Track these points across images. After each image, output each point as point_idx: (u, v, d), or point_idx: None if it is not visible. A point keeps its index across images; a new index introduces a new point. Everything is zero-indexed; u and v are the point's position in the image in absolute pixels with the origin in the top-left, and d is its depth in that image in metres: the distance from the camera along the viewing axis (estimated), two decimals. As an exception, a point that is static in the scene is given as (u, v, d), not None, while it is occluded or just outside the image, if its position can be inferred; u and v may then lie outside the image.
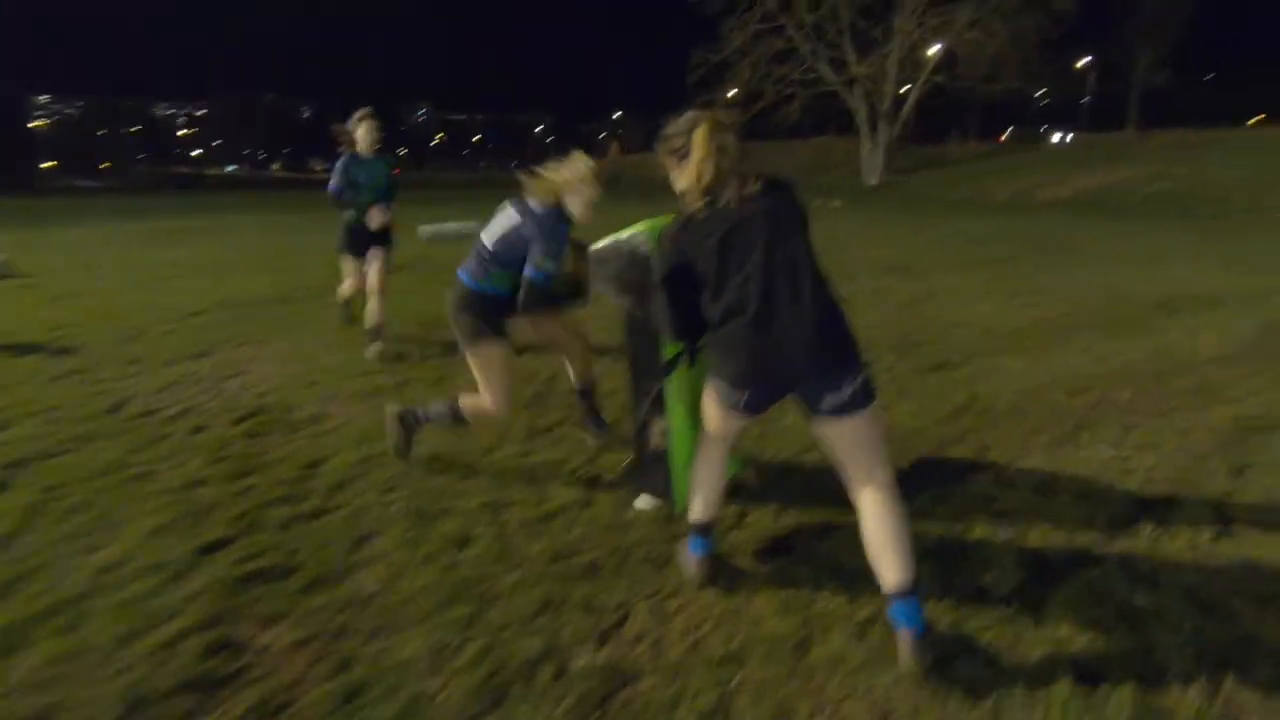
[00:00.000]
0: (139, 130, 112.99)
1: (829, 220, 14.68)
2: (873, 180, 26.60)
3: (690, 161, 1.88)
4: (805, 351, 1.80)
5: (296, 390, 3.96)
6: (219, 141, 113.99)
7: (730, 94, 29.60)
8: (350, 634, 1.93)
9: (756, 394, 1.91)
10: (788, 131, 32.95)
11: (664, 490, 2.50)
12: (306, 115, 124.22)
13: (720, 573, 2.17)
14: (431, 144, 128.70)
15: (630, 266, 2.37)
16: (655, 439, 2.46)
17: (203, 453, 3.09)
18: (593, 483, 2.83)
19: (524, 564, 2.25)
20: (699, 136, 1.86)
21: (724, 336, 1.88)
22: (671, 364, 2.32)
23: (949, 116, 33.43)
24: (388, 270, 4.88)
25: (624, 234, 2.42)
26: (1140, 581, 2.14)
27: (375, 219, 4.62)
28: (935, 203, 20.17)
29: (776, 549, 2.34)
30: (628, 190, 31.44)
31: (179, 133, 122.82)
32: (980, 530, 2.46)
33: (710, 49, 27.73)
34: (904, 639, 1.72)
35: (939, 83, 26.58)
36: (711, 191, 1.86)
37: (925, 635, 1.72)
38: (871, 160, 27.56)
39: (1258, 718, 1.64)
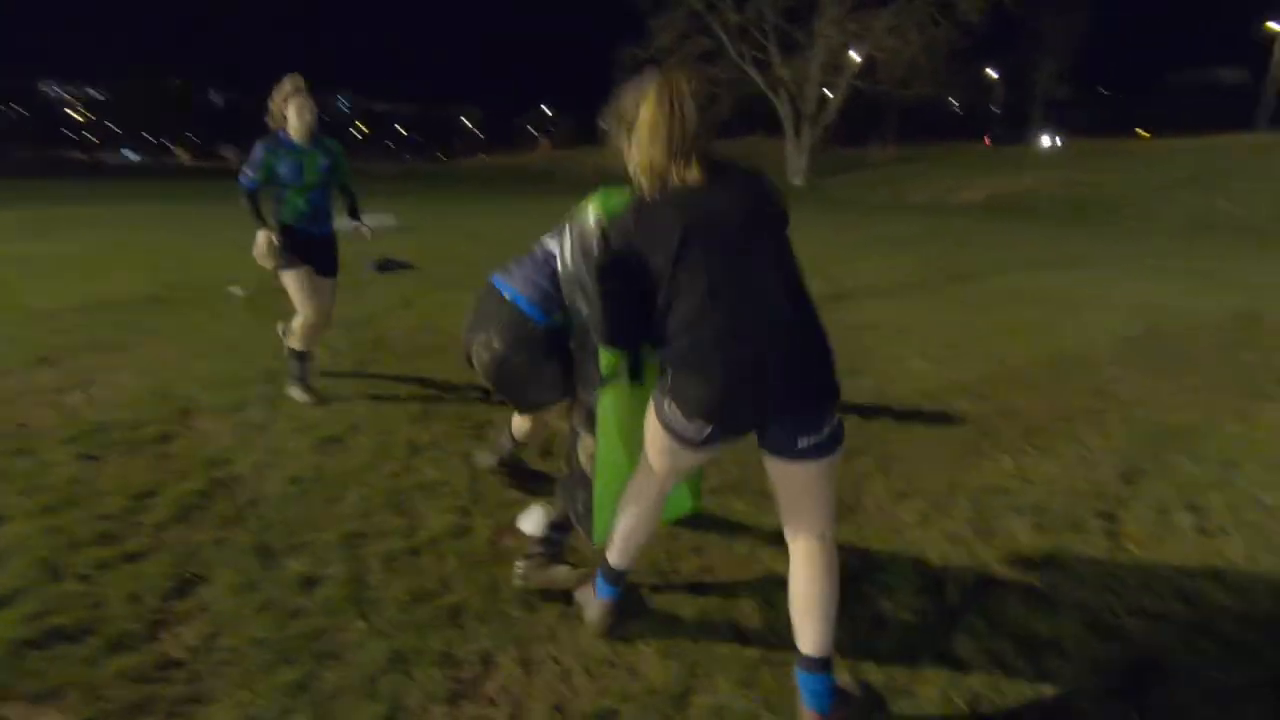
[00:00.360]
0: (21, 110, 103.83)
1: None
2: (797, 181, 27.10)
3: (640, 131, 1.50)
4: (791, 379, 1.48)
5: (149, 404, 3.50)
6: (119, 126, 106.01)
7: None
8: (147, 710, 1.60)
9: (724, 425, 1.53)
10: (717, 131, 33.20)
11: (582, 519, 2.01)
12: (218, 102, 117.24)
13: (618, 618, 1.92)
14: (354, 135, 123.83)
15: (580, 253, 1.88)
16: (581, 459, 1.99)
17: (18, 480, 2.65)
18: (473, 506, 2.56)
19: (378, 609, 1.97)
20: (650, 99, 1.48)
21: (688, 353, 1.50)
22: (607, 379, 1.82)
23: (869, 121, 34.47)
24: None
25: (575, 213, 1.89)
26: (1038, 606, 2.06)
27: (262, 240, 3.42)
28: (856, 205, 20.69)
29: (659, 586, 2.14)
30: (560, 187, 31.10)
31: (72, 115, 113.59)
32: (878, 549, 2.34)
33: (639, 45, 27.61)
34: (806, 714, 1.56)
35: (859, 87, 27.33)
36: (666, 172, 1.49)
37: (830, 714, 1.55)
38: (796, 162, 28.10)
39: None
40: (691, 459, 1.65)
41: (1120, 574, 2.23)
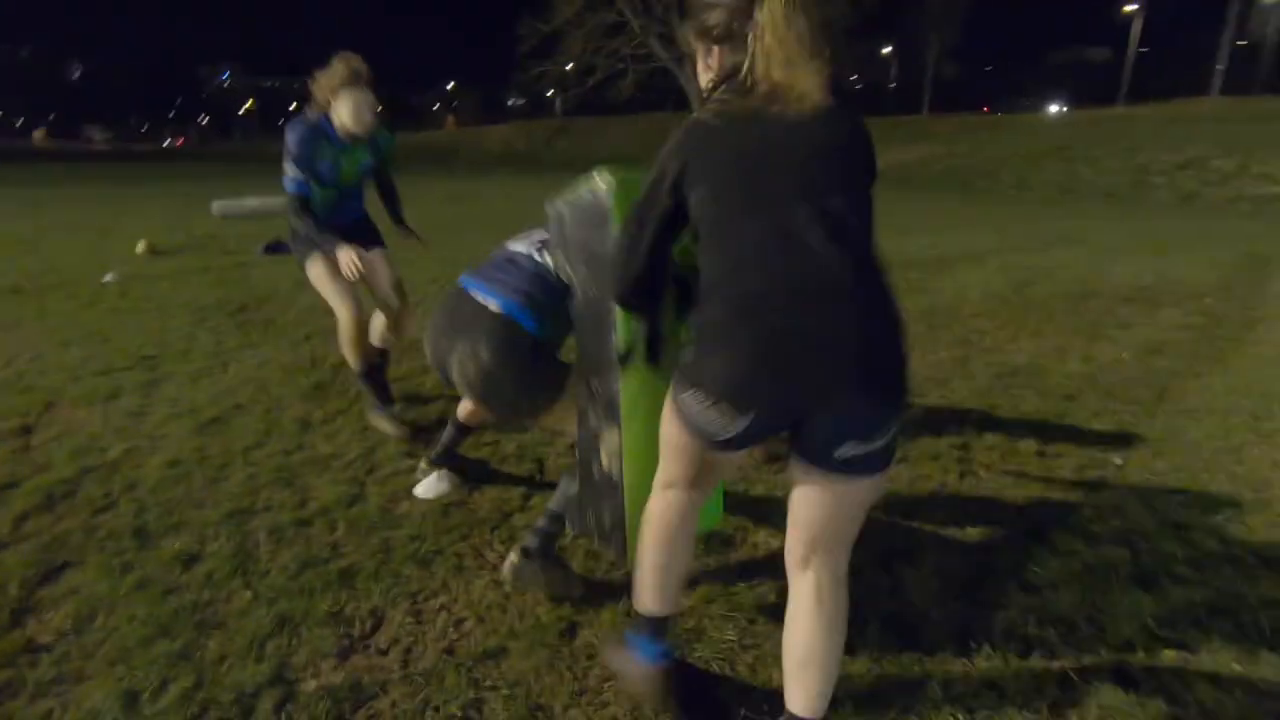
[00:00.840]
0: None
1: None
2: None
3: (742, 45, 1.22)
4: (845, 362, 1.13)
5: (7, 397, 3.26)
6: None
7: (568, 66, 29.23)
8: (15, 693, 1.55)
9: (760, 419, 1.18)
10: (623, 106, 33.18)
11: (609, 535, 1.70)
12: (77, 74, 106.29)
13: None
14: (239, 112, 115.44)
15: (584, 224, 1.67)
16: (604, 460, 1.67)
17: None
18: (366, 476, 2.56)
19: (264, 578, 1.96)
20: (772, 9, 1.18)
21: (721, 314, 1.18)
22: (626, 356, 1.57)
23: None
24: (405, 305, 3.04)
25: (579, 184, 1.69)
26: (896, 525, 2.28)
27: (344, 260, 2.59)
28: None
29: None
30: (464, 166, 30.23)
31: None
32: (739, 523, 2.50)
33: (540, 18, 27.07)
34: None
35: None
36: (771, 83, 1.20)
37: None
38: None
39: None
40: (720, 464, 1.38)
41: (968, 495, 2.49)
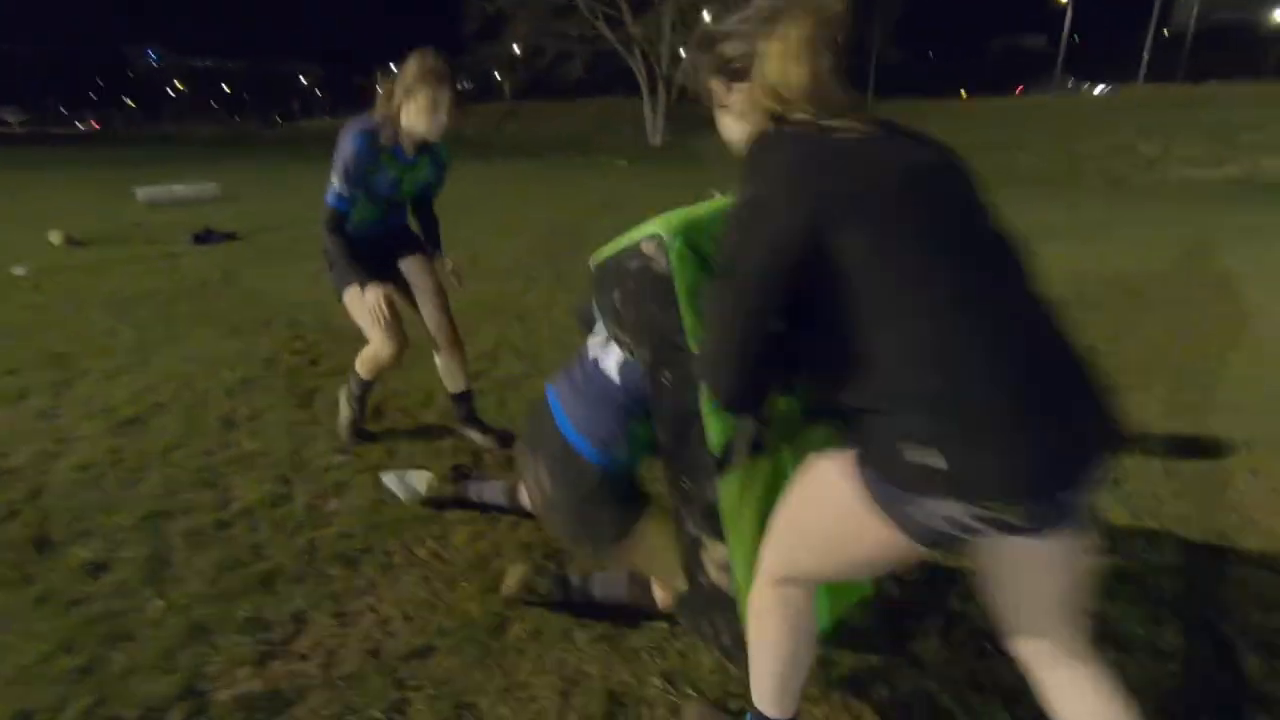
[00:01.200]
0: None
1: (617, 179, 14.83)
2: (656, 141, 27.35)
3: (771, 69, 1.02)
4: (1091, 413, 0.97)
5: (-102, 400, 3.03)
6: None
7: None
8: (-108, 721, 1.45)
9: (1044, 500, 0.94)
10: (572, 90, 32.76)
11: (730, 650, 1.45)
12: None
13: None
14: (169, 94, 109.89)
15: (639, 299, 1.31)
16: (711, 573, 1.42)
17: None
18: (294, 474, 2.47)
19: (179, 585, 1.87)
20: (794, 34, 1.00)
21: (950, 402, 0.92)
22: (725, 458, 1.30)
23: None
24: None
25: (626, 241, 1.34)
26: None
27: (372, 301, 2.34)
28: (714, 161, 21.26)
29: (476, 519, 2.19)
30: (409, 149, 29.40)
31: None
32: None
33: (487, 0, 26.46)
34: None
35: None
36: (828, 102, 1.01)
37: None
38: (653, 120, 28.30)
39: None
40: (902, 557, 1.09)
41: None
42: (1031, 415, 0.92)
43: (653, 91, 28.59)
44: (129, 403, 3.05)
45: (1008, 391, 0.91)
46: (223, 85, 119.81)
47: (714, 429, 1.27)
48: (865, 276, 0.93)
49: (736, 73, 1.08)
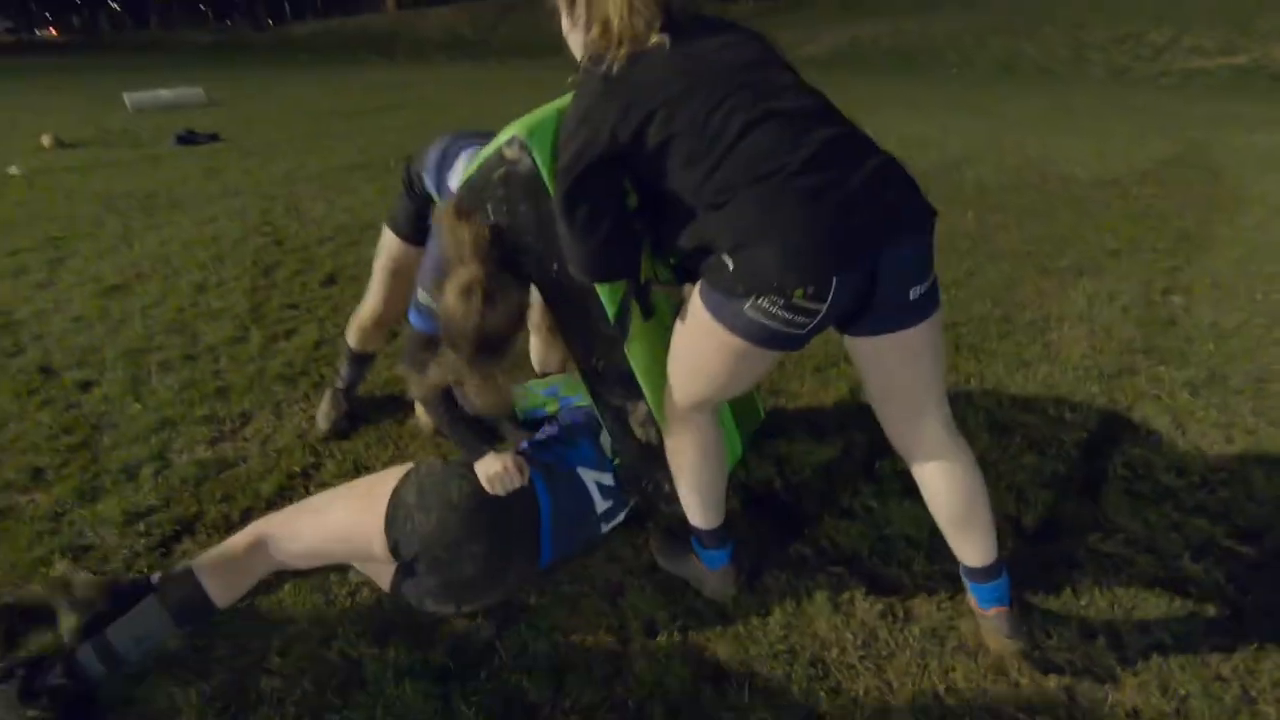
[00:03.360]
0: None
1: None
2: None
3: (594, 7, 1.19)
4: (892, 198, 1.14)
5: (-84, 274, 3.50)
6: None
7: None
8: (-60, 474, 1.97)
9: (841, 286, 1.11)
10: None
11: (672, 496, 1.56)
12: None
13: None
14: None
15: (508, 199, 1.37)
16: (637, 432, 1.57)
17: None
18: (253, 323, 2.92)
19: (153, 395, 2.36)
20: None
21: (751, 209, 1.11)
22: (622, 321, 1.43)
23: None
24: None
25: (488, 150, 1.40)
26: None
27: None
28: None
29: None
30: (405, 49, 28.49)
31: None
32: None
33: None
34: (998, 619, 1.36)
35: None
36: (642, 32, 1.16)
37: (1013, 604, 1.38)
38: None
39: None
40: (762, 367, 1.31)
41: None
42: (807, 209, 1.08)
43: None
44: (115, 274, 3.49)
45: (786, 194, 1.08)
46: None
47: (605, 300, 1.40)
48: (664, 147, 1.15)
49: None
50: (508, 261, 1.36)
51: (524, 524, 1.50)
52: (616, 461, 1.64)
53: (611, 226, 1.23)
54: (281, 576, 1.56)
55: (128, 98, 10.37)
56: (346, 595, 1.57)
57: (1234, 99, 10.12)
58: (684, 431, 1.43)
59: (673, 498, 1.55)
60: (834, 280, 1.10)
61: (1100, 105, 9.72)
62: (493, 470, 1.45)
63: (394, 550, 1.42)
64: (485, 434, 1.55)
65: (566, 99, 1.28)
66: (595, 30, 1.18)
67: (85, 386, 2.41)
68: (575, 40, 1.28)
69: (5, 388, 2.40)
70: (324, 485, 1.93)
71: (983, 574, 1.36)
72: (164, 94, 10.76)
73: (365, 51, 27.46)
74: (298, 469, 1.99)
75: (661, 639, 1.46)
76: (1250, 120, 7.86)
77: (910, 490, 1.83)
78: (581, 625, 1.50)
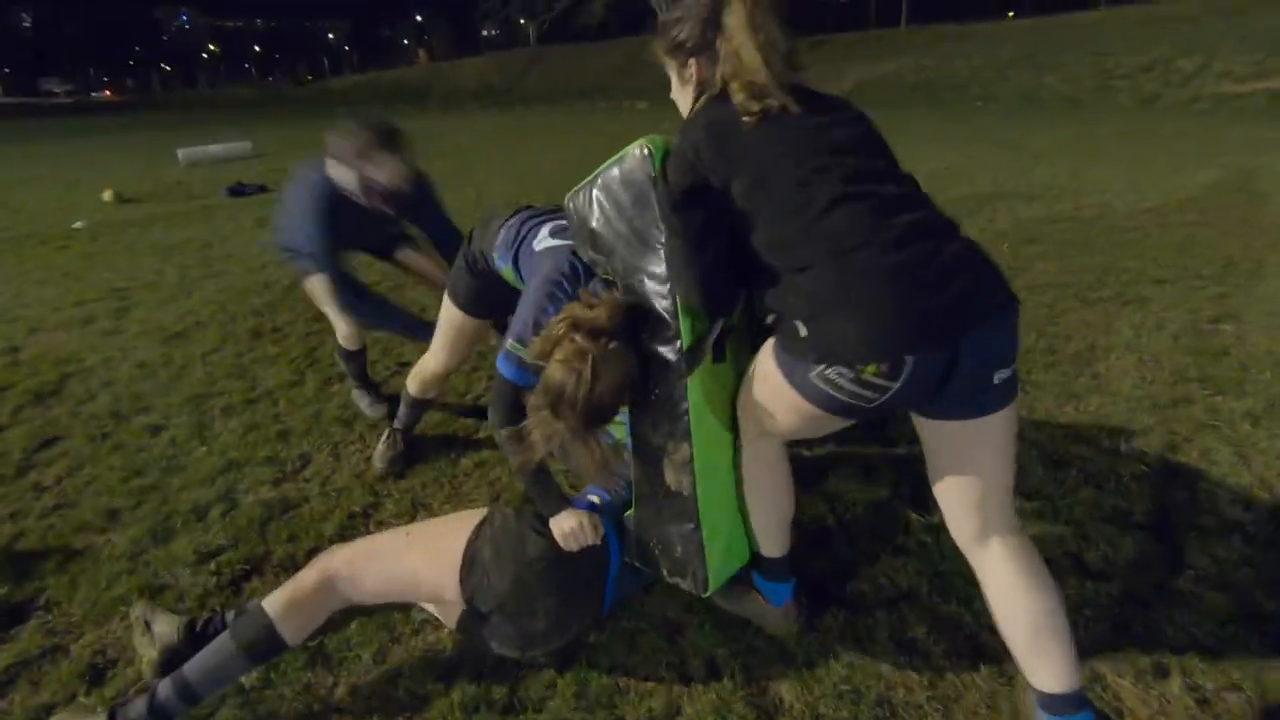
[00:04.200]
0: None
1: (634, 122, 14.96)
2: (679, 81, 26.99)
3: (716, 53, 1.26)
4: (975, 280, 1.13)
5: (-6, 325, 3.71)
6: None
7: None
8: (23, 516, 2.06)
9: (920, 365, 1.10)
10: (596, 33, 32.33)
11: (684, 561, 1.49)
12: (27, 24, 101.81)
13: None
14: (202, 56, 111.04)
15: (619, 205, 1.41)
16: (670, 476, 1.46)
17: None
18: (308, 368, 3.03)
19: (216, 439, 2.45)
20: (735, 20, 1.22)
21: (832, 279, 1.12)
22: (694, 353, 1.38)
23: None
24: None
25: (602, 166, 1.45)
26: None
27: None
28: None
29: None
30: (438, 101, 29.60)
31: None
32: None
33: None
34: None
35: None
36: (765, 88, 1.21)
37: None
38: (676, 60, 27.83)
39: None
40: (830, 426, 1.34)
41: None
42: (893, 284, 1.08)
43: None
44: (175, 322, 3.65)
45: (874, 269, 1.09)
46: (254, 45, 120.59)
47: (686, 326, 1.37)
48: (756, 206, 1.20)
49: (690, 51, 1.30)
50: (625, 332, 1.36)
51: (593, 577, 1.52)
52: (628, 514, 1.59)
53: (719, 251, 1.27)
54: (349, 615, 1.60)
55: (180, 153, 10.93)
56: (412, 633, 1.60)
57: (1272, 124, 9.98)
58: (752, 459, 1.46)
59: (681, 563, 1.48)
60: (909, 359, 1.09)
61: (1130, 133, 9.67)
62: (568, 527, 1.47)
63: (469, 600, 1.45)
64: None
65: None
66: (712, 91, 1.26)
67: (154, 431, 2.52)
68: (684, 100, 1.36)
69: (80, 432, 2.52)
70: (383, 525, 1.98)
71: (1064, 704, 1.18)
72: (214, 148, 11.32)
73: (400, 102, 28.62)
74: (357, 508, 2.05)
75: (723, 678, 1.46)
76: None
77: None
78: (641, 663, 1.51)
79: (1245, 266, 3.78)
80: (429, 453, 2.32)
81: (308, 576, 1.49)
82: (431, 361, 2.13)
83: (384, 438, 2.28)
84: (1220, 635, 1.51)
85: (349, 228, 2.35)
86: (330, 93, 41.92)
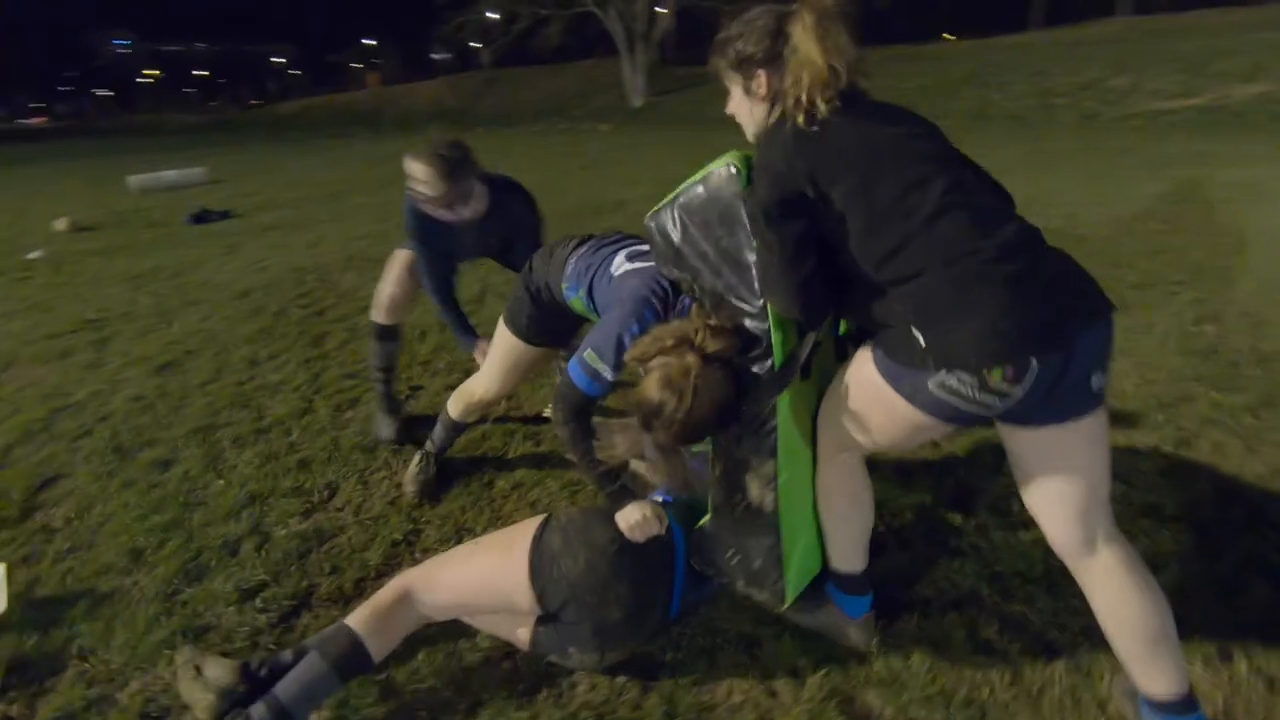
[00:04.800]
0: None
1: (599, 141, 15.05)
2: (637, 102, 27.33)
3: (783, 64, 1.25)
4: (1078, 286, 1.18)
5: (-38, 361, 3.49)
6: None
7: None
8: (36, 560, 1.94)
9: (1043, 369, 1.12)
10: (551, 55, 32.49)
11: (761, 573, 1.50)
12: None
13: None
14: (138, 80, 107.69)
15: (705, 224, 1.40)
16: (753, 494, 1.46)
17: None
18: (315, 395, 2.94)
19: (233, 471, 2.36)
20: (804, 30, 1.21)
21: (945, 286, 1.14)
22: (786, 371, 1.37)
23: (702, 38, 34.90)
24: None
25: (685, 184, 1.43)
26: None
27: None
28: (694, 120, 21.38)
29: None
30: (390, 124, 29.30)
31: None
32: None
33: (458, -32, 26.21)
34: None
35: (693, 3, 27.53)
36: (829, 92, 1.20)
37: None
38: (633, 82, 28.23)
39: None
40: (925, 437, 1.38)
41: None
42: (1010, 289, 1.10)
43: (632, 52, 28.42)
44: (162, 352, 3.50)
45: (986, 275, 1.11)
46: (194, 70, 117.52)
47: (778, 342, 1.36)
48: (857, 210, 1.19)
49: (759, 63, 1.29)
50: (729, 358, 1.36)
51: (661, 568, 1.51)
52: (702, 522, 1.58)
53: (814, 263, 1.26)
54: (413, 648, 1.55)
55: (131, 180, 10.54)
56: (481, 660, 1.56)
57: (1202, 138, 10.61)
58: (834, 473, 1.45)
59: (759, 576, 1.49)
60: (1034, 362, 1.10)
61: (1078, 149, 10.16)
62: (634, 519, 1.46)
63: (540, 598, 1.42)
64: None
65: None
66: (786, 101, 1.24)
67: (164, 466, 2.40)
68: (754, 112, 1.35)
69: (82, 470, 2.39)
70: (428, 552, 1.93)
71: (1179, 708, 1.21)
72: (168, 174, 10.95)
73: (353, 125, 28.24)
74: (398, 536, 1.99)
75: (809, 688, 1.46)
76: (1224, 157, 8.23)
77: (1010, 525, 1.89)
78: (724, 678, 1.50)
79: (1215, 271, 4.00)
80: (460, 475, 2.28)
81: (385, 593, 1.47)
82: (481, 387, 2.09)
83: (415, 461, 2.22)
84: (1273, 620, 1.57)
85: (441, 241, 2.29)
86: (280, 117, 41.08)
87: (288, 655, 1.49)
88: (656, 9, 28.21)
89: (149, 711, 1.46)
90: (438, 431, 2.23)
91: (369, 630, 1.41)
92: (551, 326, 1.93)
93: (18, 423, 2.76)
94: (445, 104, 37.67)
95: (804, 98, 1.21)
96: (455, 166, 2.07)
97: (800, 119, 1.21)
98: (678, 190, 1.45)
